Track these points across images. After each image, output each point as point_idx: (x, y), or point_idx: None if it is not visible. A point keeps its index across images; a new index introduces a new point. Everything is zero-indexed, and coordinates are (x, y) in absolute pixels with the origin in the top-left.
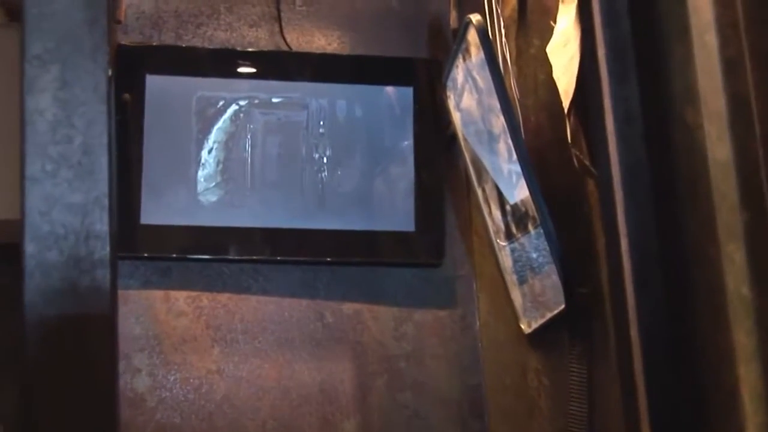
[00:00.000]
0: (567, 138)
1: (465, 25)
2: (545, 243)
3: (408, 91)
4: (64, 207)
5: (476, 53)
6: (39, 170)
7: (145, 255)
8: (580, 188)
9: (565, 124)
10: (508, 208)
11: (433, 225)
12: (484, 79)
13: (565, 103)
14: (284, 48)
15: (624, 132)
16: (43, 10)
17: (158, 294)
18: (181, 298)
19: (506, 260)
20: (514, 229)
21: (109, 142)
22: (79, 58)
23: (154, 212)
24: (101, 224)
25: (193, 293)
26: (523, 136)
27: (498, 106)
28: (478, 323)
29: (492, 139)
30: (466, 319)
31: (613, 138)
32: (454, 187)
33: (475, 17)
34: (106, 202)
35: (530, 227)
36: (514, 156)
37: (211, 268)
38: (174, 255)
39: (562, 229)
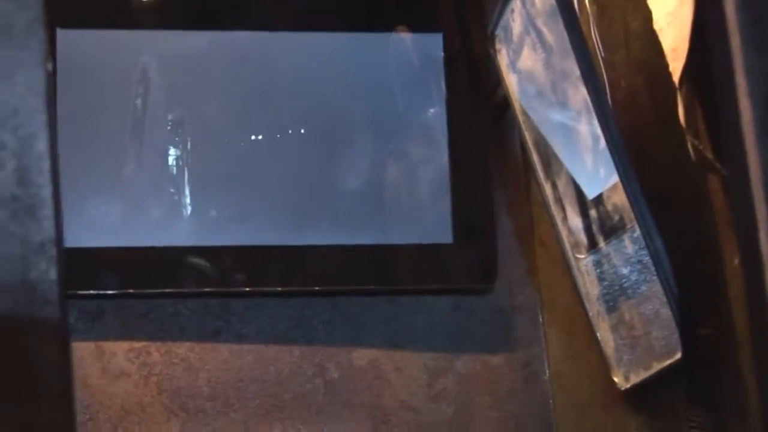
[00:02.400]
0: (677, 117)
1: None
2: (642, 251)
3: (436, 40)
4: None
5: None
6: None
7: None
8: (699, 187)
9: (675, 97)
10: (591, 212)
11: (478, 233)
12: (555, 33)
13: (675, 69)
14: None
15: (766, 121)
16: None
17: (87, 347)
18: (120, 352)
19: (587, 279)
20: (598, 238)
21: (54, 164)
22: (5, 47)
23: (75, 230)
24: (47, 282)
25: (138, 344)
26: (611, 108)
27: (577, 71)
28: (547, 373)
29: (567, 115)
30: (530, 366)
31: (750, 129)
32: (506, 178)
33: None
34: (53, 250)
35: (621, 231)
36: (602, 142)
37: (162, 308)
38: (108, 291)
39: (673, 246)
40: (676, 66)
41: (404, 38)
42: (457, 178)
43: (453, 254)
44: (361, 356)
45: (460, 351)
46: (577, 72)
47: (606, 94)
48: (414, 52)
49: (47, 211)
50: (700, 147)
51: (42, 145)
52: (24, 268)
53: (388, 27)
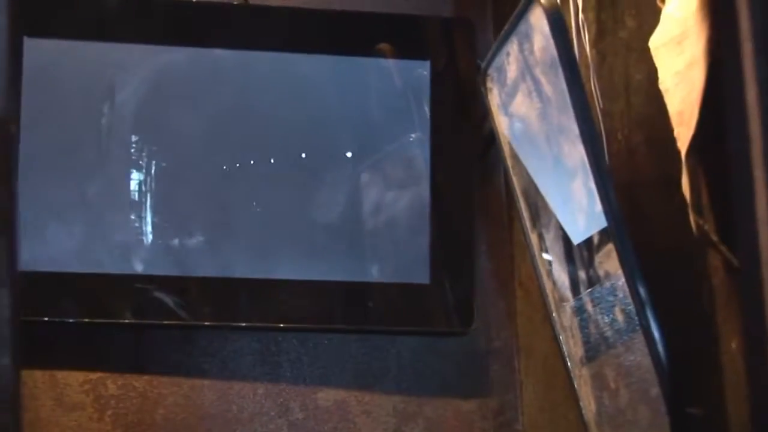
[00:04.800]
0: (680, 187)
1: (528, 1)
2: (627, 298)
3: (422, 67)
4: None
5: (542, 46)
6: None
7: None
8: (698, 263)
9: (678, 163)
10: (581, 273)
11: (457, 274)
12: (554, 85)
13: (680, 134)
14: None
15: None
16: None
17: (40, 376)
18: (74, 383)
19: (568, 326)
20: (581, 283)
21: (12, 206)
22: None
23: (31, 253)
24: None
25: (94, 375)
26: (611, 174)
27: (576, 130)
28: (521, 422)
29: (562, 170)
30: (503, 415)
31: (766, 217)
32: (488, 214)
33: None
34: (6, 313)
35: (604, 279)
36: (598, 205)
37: (121, 339)
38: (63, 318)
39: (667, 320)
40: (681, 131)
41: (390, 64)
42: (438, 213)
43: (429, 295)
44: (328, 396)
45: (430, 395)
46: (576, 131)
47: (605, 157)
48: (399, 78)
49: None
50: (705, 226)
51: None
52: None
53: (373, 51)
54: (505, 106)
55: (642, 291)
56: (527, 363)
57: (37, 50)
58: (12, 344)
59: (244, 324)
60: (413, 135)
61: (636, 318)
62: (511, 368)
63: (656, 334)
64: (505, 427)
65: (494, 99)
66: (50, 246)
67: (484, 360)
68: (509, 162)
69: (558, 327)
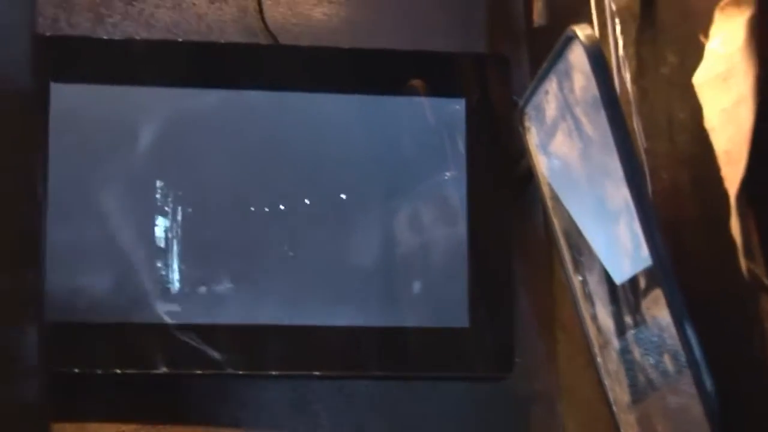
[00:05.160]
0: (729, 229)
1: (567, 39)
2: (674, 342)
3: (457, 104)
4: None
5: (583, 84)
6: None
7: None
8: (750, 307)
9: (726, 204)
10: (626, 319)
11: (496, 317)
12: (595, 125)
13: (728, 174)
14: (264, 36)
15: None
16: None
17: (70, 429)
18: None
19: (613, 370)
20: (627, 327)
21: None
22: None
23: (61, 303)
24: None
25: (126, 428)
26: (651, 197)
27: (620, 172)
28: None
29: (605, 212)
30: None
31: None
32: (528, 254)
33: (584, 31)
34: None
35: (651, 322)
36: (643, 249)
37: (153, 389)
38: (90, 369)
39: (716, 368)
40: (729, 171)
41: (424, 102)
42: (476, 254)
43: (468, 340)
44: None
45: None
46: (619, 172)
47: (650, 200)
48: (434, 116)
49: None
50: (756, 270)
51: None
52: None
53: (406, 90)
54: (544, 146)
55: (691, 336)
56: (569, 406)
57: (63, 95)
58: (40, 395)
59: (277, 372)
60: (448, 174)
61: (683, 360)
62: (553, 412)
63: (706, 380)
64: None
65: (532, 138)
66: (78, 295)
67: (526, 403)
68: (549, 203)
69: (603, 371)
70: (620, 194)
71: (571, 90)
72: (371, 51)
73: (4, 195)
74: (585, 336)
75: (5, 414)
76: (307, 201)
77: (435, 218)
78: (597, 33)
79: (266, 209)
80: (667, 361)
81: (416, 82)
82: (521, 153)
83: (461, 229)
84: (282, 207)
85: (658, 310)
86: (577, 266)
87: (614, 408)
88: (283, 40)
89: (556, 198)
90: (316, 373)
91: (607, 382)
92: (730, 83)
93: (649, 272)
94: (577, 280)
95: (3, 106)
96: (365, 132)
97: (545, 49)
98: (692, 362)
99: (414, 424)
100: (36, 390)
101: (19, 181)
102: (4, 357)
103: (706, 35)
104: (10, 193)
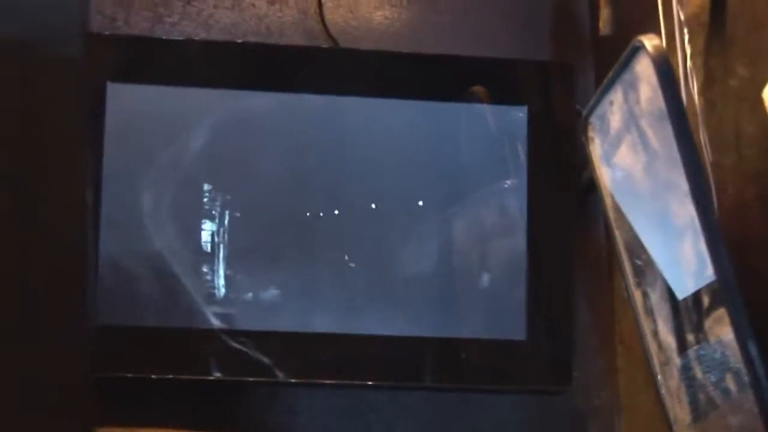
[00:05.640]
0: None
1: (633, 49)
2: (736, 360)
3: (519, 112)
4: None
5: (649, 96)
6: None
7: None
8: None
9: None
10: (689, 337)
11: (554, 331)
12: (661, 139)
13: None
14: (324, 39)
15: None
16: None
17: None
18: None
19: (674, 387)
20: (689, 345)
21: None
22: None
23: (114, 308)
24: None
25: None
26: (717, 214)
27: (685, 187)
28: None
29: (669, 228)
30: None
31: None
32: (588, 266)
33: (651, 41)
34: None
35: (714, 341)
36: (708, 269)
37: (203, 394)
38: (140, 374)
39: None
40: None
41: (486, 108)
42: (535, 265)
43: (525, 352)
44: None
45: None
46: (685, 188)
47: (716, 217)
48: (496, 123)
49: None
50: None
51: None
52: None
53: (467, 96)
54: (607, 157)
55: (755, 356)
56: (629, 423)
57: (120, 95)
58: (85, 401)
59: (330, 381)
60: (509, 182)
61: (746, 379)
62: (612, 428)
63: None
64: None
65: (596, 149)
66: (129, 299)
67: (584, 419)
68: (611, 214)
69: (663, 389)
70: (685, 210)
71: (637, 101)
72: (432, 56)
73: (54, 198)
74: (645, 352)
75: (54, 419)
76: (367, 206)
77: (494, 228)
78: (664, 43)
79: (318, 212)
80: (729, 380)
81: (478, 89)
82: (583, 163)
83: (520, 239)
84: (336, 212)
85: (721, 329)
86: (639, 280)
87: (674, 427)
88: (343, 43)
89: (618, 210)
90: (369, 382)
91: (667, 399)
92: None
93: (713, 290)
94: (638, 294)
95: (55, 108)
96: (424, 139)
97: (611, 58)
98: (755, 382)
99: None
100: (82, 394)
101: (70, 185)
102: (51, 360)
103: None
104: (60, 195)
